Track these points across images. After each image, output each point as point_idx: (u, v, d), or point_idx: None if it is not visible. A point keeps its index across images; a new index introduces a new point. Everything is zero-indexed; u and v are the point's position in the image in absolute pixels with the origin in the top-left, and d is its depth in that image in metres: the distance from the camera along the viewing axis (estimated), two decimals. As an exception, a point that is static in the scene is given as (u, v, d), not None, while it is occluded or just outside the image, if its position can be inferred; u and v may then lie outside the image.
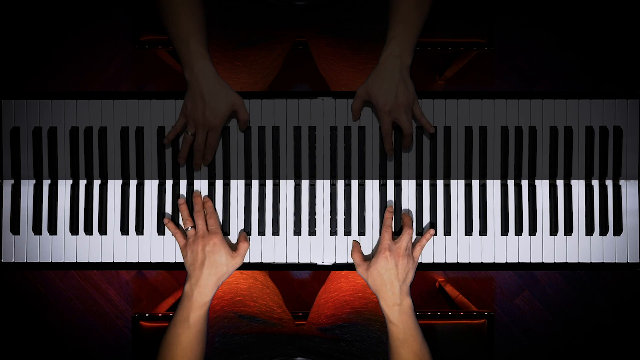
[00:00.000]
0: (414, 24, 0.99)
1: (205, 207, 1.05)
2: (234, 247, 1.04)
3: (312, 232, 1.08)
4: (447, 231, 1.08)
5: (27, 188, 1.09)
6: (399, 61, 0.98)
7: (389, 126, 1.03)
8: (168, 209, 1.08)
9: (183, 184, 1.08)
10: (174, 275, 1.96)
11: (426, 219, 1.08)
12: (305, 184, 1.08)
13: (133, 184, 1.09)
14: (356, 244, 1.06)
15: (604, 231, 1.08)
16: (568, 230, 1.08)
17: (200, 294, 0.97)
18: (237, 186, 1.08)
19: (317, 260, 1.08)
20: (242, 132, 1.07)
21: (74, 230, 1.08)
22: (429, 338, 0.99)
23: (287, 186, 1.08)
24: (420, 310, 1.36)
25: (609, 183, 1.09)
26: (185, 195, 1.08)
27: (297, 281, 1.96)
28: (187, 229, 1.02)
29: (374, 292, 0.99)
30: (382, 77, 0.99)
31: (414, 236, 1.08)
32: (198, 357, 0.98)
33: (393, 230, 1.06)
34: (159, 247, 1.08)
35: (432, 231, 1.05)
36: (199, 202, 1.05)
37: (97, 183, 1.09)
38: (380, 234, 1.08)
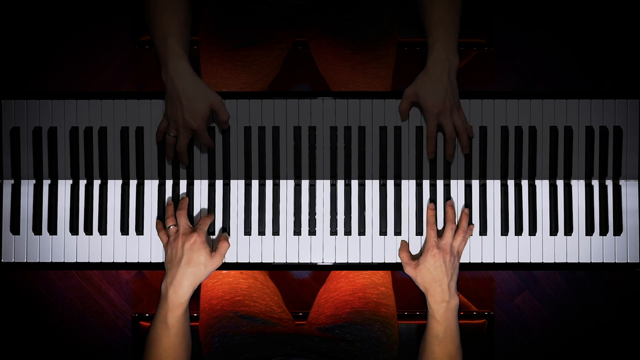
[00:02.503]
0: (452, 24, 1.00)
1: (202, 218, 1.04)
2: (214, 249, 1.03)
3: (312, 232, 1.08)
4: (447, 231, 1.08)
5: (27, 188, 1.09)
6: (448, 64, 0.99)
7: (434, 129, 1.03)
8: (168, 209, 1.08)
9: (183, 184, 1.08)
10: (174, 275, 1.95)
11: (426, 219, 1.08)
12: (305, 184, 1.08)
13: (133, 184, 1.09)
14: (404, 243, 1.06)
15: (604, 231, 1.08)
16: (568, 231, 1.08)
17: (176, 293, 0.95)
18: (237, 186, 1.08)
19: (317, 260, 1.08)
20: (220, 132, 1.05)
21: (74, 230, 1.08)
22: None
23: (287, 186, 1.08)
24: (420, 310, 1.36)
25: (609, 183, 1.09)
26: (185, 194, 1.08)
27: (297, 281, 1.96)
28: (169, 227, 1.01)
29: (423, 290, 1.00)
30: (432, 80, 1.00)
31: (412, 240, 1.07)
32: (182, 357, 0.97)
33: (438, 225, 1.07)
34: (159, 247, 1.08)
35: (472, 227, 1.06)
36: (183, 202, 1.04)
37: (97, 183, 1.09)
38: (377, 233, 1.08)
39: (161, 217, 1.08)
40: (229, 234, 1.08)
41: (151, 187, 1.09)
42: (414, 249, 1.07)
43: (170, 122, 1.01)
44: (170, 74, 0.97)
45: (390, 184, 1.08)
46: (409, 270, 1.02)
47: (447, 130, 1.03)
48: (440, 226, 1.07)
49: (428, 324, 0.99)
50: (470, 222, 1.07)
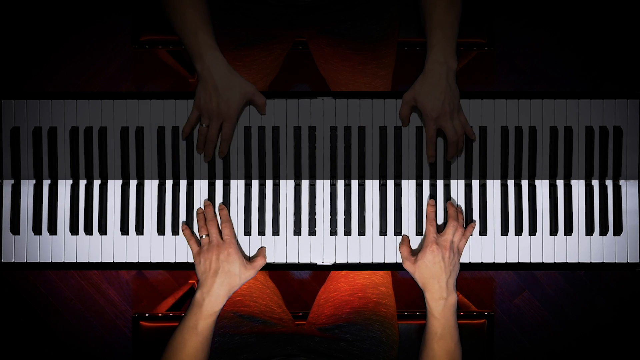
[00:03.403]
0: (451, 27, 1.00)
1: (220, 214, 1.05)
2: (247, 258, 1.05)
3: (312, 232, 1.08)
4: (447, 231, 1.08)
5: (27, 188, 1.09)
6: (446, 67, 0.99)
7: (434, 133, 1.03)
8: (168, 209, 1.08)
9: (183, 184, 1.08)
10: (174, 275, 1.96)
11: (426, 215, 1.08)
12: (305, 184, 1.08)
13: (133, 184, 1.09)
14: (406, 238, 1.06)
15: (604, 231, 1.08)
16: (568, 231, 1.08)
17: (211, 303, 0.97)
18: (237, 186, 1.08)
19: (317, 260, 1.08)
20: (262, 114, 1.07)
21: (74, 230, 1.08)
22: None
23: (287, 186, 1.08)
24: (420, 310, 1.36)
25: (609, 183, 1.09)
26: (186, 196, 1.08)
27: (297, 281, 1.96)
28: (202, 237, 1.03)
29: (421, 287, 0.99)
30: (429, 84, 0.99)
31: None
32: None
33: (438, 223, 1.07)
34: (159, 247, 1.08)
35: (473, 225, 1.06)
36: (210, 212, 1.05)
37: (97, 183, 1.09)
38: (377, 233, 1.08)
39: (164, 216, 1.08)
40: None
41: (151, 187, 1.09)
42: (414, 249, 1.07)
43: (202, 112, 1.02)
44: (207, 65, 0.98)
45: (390, 184, 1.08)
46: (407, 265, 1.01)
47: (448, 134, 1.03)
48: (439, 226, 1.07)
49: (427, 321, 0.99)
50: (471, 220, 1.07)
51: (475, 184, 1.09)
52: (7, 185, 1.09)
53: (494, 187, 1.09)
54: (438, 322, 0.97)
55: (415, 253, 1.03)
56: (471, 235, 1.07)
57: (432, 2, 1.00)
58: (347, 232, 1.08)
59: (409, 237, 1.07)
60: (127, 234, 1.08)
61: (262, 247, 1.08)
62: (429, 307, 0.98)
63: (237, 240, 1.04)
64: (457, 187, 1.08)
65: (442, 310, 0.97)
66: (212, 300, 0.97)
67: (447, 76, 0.99)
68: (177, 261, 1.08)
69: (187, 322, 0.97)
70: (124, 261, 1.08)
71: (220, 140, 1.05)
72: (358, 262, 1.08)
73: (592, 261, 1.08)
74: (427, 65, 1.00)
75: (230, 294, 0.99)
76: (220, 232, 1.03)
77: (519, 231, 1.08)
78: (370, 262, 1.08)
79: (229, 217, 1.06)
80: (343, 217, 1.08)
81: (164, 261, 1.08)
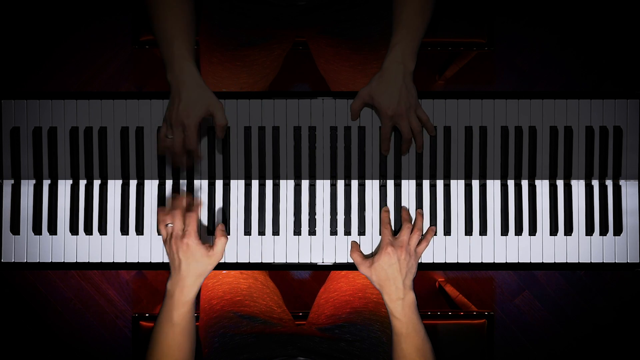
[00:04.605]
0: (417, 30, 1.01)
1: (193, 205, 1.02)
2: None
3: (312, 232, 1.08)
4: (447, 231, 1.08)
5: (27, 188, 1.09)
6: (403, 67, 0.99)
7: (389, 130, 1.04)
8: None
9: (183, 184, 1.08)
10: (174, 275, 1.95)
11: (426, 219, 1.08)
12: (305, 184, 1.08)
13: (133, 184, 1.09)
14: (355, 244, 1.07)
15: (604, 231, 1.08)
16: (568, 230, 1.08)
17: (182, 292, 0.95)
18: (237, 186, 1.08)
19: (317, 260, 1.08)
20: (219, 138, 1.01)
21: (74, 230, 1.08)
22: (429, 337, 1.00)
23: (287, 186, 1.08)
24: (421, 310, 1.36)
25: (609, 183, 1.09)
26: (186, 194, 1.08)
27: (297, 281, 1.96)
28: (166, 225, 0.99)
29: (378, 288, 0.99)
30: (386, 82, 1.00)
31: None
32: (186, 355, 0.97)
33: (393, 228, 1.07)
34: (159, 247, 1.08)
35: (433, 228, 1.07)
36: (176, 202, 1.00)
37: (97, 183, 1.09)
38: (380, 233, 1.08)
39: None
40: (228, 234, 1.08)
41: (151, 187, 1.09)
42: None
43: (166, 122, 1.00)
44: (176, 73, 0.97)
45: (390, 184, 1.08)
46: (363, 269, 1.01)
47: (403, 132, 1.04)
48: (445, 227, 1.07)
49: (391, 323, 0.98)
50: (434, 224, 1.08)
51: (475, 184, 1.09)
52: (7, 185, 1.09)
53: (494, 187, 1.09)
54: (400, 322, 0.96)
55: (368, 257, 1.04)
56: (434, 235, 1.07)
57: (404, 3, 1.00)
58: (347, 232, 1.08)
59: (358, 243, 1.07)
60: (127, 234, 1.08)
61: (219, 224, 1.02)
62: (389, 309, 0.98)
63: (198, 229, 0.98)
64: (457, 187, 1.08)
65: (402, 310, 0.97)
66: (181, 290, 0.95)
67: (404, 76, 1.00)
68: (177, 261, 1.08)
69: (161, 315, 0.97)
70: (124, 261, 1.08)
71: (185, 151, 1.00)
72: (358, 262, 1.08)
73: (592, 261, 1.08)
74: (385, 63, 1.00)
75: (200, 281, 0.96)
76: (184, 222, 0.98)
77: (519, 231, 1.08)
78: (370, 262, 1.08)
79: (198, 210, 1.01)
80: (343, 217, 1.08)
81: (164, 261, 1.08)
